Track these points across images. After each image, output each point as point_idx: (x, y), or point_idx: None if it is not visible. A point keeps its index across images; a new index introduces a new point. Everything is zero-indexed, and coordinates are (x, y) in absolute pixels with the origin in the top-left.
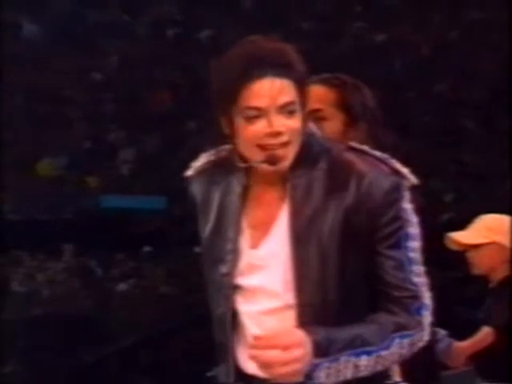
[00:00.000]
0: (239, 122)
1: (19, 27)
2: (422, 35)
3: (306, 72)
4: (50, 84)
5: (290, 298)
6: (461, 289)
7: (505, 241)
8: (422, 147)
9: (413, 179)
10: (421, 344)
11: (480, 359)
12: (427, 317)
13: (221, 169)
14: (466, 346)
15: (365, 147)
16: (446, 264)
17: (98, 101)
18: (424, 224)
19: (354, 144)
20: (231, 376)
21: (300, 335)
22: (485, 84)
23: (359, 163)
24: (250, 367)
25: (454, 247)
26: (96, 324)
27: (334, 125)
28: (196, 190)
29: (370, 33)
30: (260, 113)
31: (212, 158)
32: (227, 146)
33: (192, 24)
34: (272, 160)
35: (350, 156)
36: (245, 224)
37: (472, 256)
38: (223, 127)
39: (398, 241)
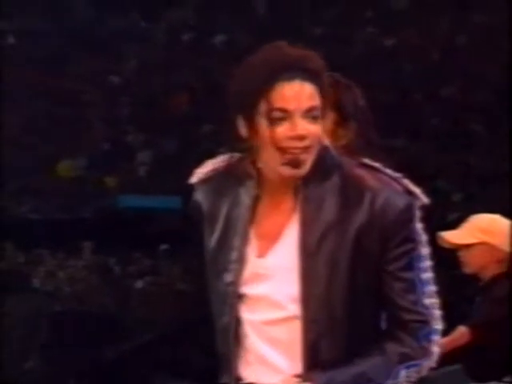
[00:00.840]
0: (262, 123)
1: (42, 33)
2: (430, 39)
3: (328, 80)
4: (70, 88)
5: (293, 309)
6: (466, 286)
7: (495, 241)
8: (430, 149)
9: (424, 199)
10: (427, 370)
11: (469, 358)
12: (436, 342)
13: (229, 178)
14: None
15: (377, 164)
16: (454, 262)
17: (117, 104)
18: (431, 223)
19: (366, 160)
20: None
21: None
22: (492, 87)
23: (372, 180)
24: (251, 376)
25: (445, 246)
26: (115, 320)
27: (324, 123)
28: (201, 198)
29: (380, 37)
30: (285, 115)
31: (218, 165)
32: (235, 154)
33: (206, 29)
34: (294, 163)
35: (363, 172)
36: (252, 234)
37: (463, 255)
38: (240, 129)
39: (410, 262)
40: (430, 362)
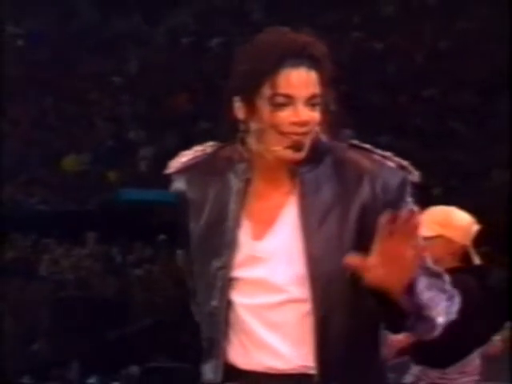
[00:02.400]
0: (264, 107)
1: (50, 35)
2: (415, 44)
3: (330, 69)
4: (76, 87)
5: (293, 291)
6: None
7: (450, 234)
8: (413, 146)
9: (416, 174)
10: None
11: (418, 349)
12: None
13: (214, 164)
14: (399, 339)
15: (367, 145)
16: None
17: (120, 103)
18: None
19: (355, 142)
20: (219, 373)
21: None
22: (472, 89)
23: (367, 161)
24: (244, 362)
25: None
26: (116, 305)
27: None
28: (183, 186)
29: (369, 42)
30: (289, 101)
31: (196, 154)
32: (211, 144)
33: (205, 33)
34: (297, 146)
35: (356, 154)
36: (244, 218)
37: None
38: (237, 111)
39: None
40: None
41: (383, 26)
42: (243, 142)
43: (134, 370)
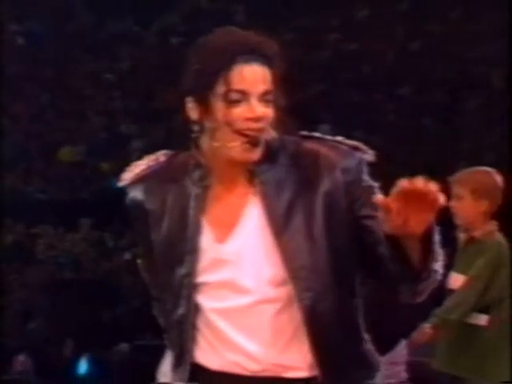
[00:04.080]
0: (217, 105)
1: (48, 35)
2: (388, 45)
3: (282, 66)
4: (71, 84)
5: (263, 292)
6: None
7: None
8: (386, 141)
9: (371, 153)
10: None
11: None
12: None
13: (170, 173)
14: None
15: (317, 134)
16: None
17: (112, 98)
18: None
19: (305, 133)
20: (186, 375)
21: None
22: (442, 87)
23: (321, 149)
24: (216, 363)
25: None
26: (108, 287)
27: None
28: (141, 195)
29: (344, 43)
30: (242, 97)
31: (149, 164)
32: (164, 152)
33: (192, 34)
34: (254, 142)
35: (308, 145)
36: (205, 223)
37: None
38: (190, 111)
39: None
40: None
41: (358, 29)
42: (197, 146)
43: (124, 347)
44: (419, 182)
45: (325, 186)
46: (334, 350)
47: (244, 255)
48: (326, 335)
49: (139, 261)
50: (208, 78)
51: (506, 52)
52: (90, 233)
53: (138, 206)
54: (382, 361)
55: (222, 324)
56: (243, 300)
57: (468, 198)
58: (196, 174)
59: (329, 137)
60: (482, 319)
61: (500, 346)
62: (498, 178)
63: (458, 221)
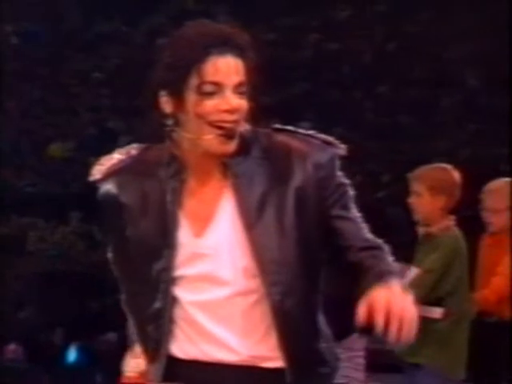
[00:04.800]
0: (191, 97)
1: (39, 35)
2: (367, 45)
3: (255, 58)
4: (61, 82)
5: (240, 284)
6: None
7: None
8: (365, 137)
9: (343, 147)
10: None
11: None
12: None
13: (144, 167)
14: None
15: (289, 127)
16: (383, 230)
17: (100, 95)
18: (363, 199)
19: (278, 126)
20: (162, 367)
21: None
22: (418, 85)
23: (293, 142)
24: (192, 353)
25: None
26: (97, 278)
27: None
28: (114, 189)
29: (325, 43)
30: (216, 89)
31: (122, 158)
32: (136, 146)
33: None
34: (229, 134)
35: (281, 138)
36: (182, 217)
37: None
38: (164, 105)
39: (348, 202)
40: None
41: (339, 29)
42: (172, 139)
43: (112, 336)
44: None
45: (297, 180)
46: (300, 345)
47: (221, 248)
48: (292, 330)
49: (110, 255)
50: (181, 71)
51: (480, 52)
52: (79, 226)
53: (111, 200)
54: (339, 346)
55: (199, 316)
56: (221, 292)
57: (426, 194)
58: (171, 168)
59: (301, 130)
60: (436, 312)
61: (455, 337)
62: (456, 175)
63: (417, 216)
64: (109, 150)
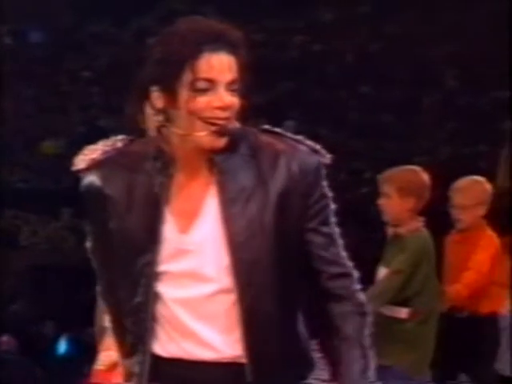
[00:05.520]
0: (184, 94)
1: (31, 35)
2: (351, 46)
3: (247, 55)
4: (52, 80)
5: (223, 281)
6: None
7: None
8: (349, 135)
9: (328, 157)
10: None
11: None
12: (359, 289)
13: (127, 160)
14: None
15: (278, 129)
16: (364, 225)
17: (91, 94)
18: (347, 195)
19: (267, 127)
20: (146, 367)
21: None
22: (400, 86)
23: (281, 144)
24: (172, 351)
25: None
26: (87, 272)
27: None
28: (99, 181)
29: (310, 44)
30: (210, 86)
31: (107, 149)
32: (122, 138)
33: None
34: (221, 133)
35: (269, 139)
36: (168, 212)
37: None
38: (155, 101)
39: (328, 217)
40: (370, 315)
41: (323, 31)
42: (161, 134)
43: None
44: None
45: (282, 182)
46: (267, 347)
47: (205, 245)
48: (261, 331)
49: (89, 244)
50: (174, 67)
51: (460, 53)
52: (70, 221)
53: (95, 191)
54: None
55: (181, 313)
56: (204, 289)
57: (395, 195)
58: (158, 162)
59: (289, 134)
60: (402, 312)
61: (422, 337)
62: (425, 177)
63: (386, 217)
64: None
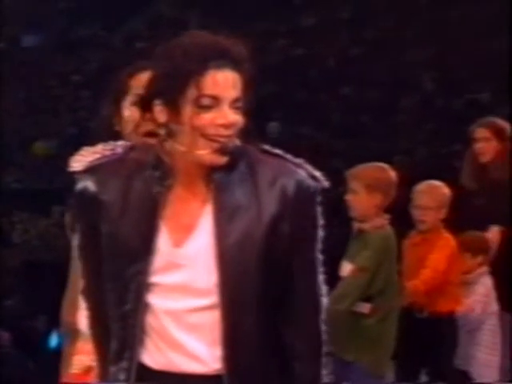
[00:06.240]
0: (187, 109)
1: (22, 40)
2: (332, 50)
3: (251, 72)
4: (44, 83)
5: (213, 298)
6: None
7: None
8: (330, 136)
9: (325, 183)
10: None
11: None
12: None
13: (124, 167)
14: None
15: (278, 151)
16: (345, 223)
17: (81, 97)
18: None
19: (267, 147)
20: (133, 375)
21: None
22: (379, 88)
23: (280, 167)
24: (158, 363)
25: None
26: None
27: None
28: (94, 186)
29: (291, 48)
30: (214, 103)
31: (105, 154)
32: (121, 143)
33: (154, 39)
34: (223, 151)
35: (268, 159)
36: (164, 224)
37: None
38: (157, 114)
39: (315, 244)
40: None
41: (305, 35)
42: (162, 147)
43: None
44: None
45: (276, 205)
46: (248, 365)
47: (198, 260)
48: (241, 349)
49: (77, 243)
50: (179, 82)
51: (436, 57)
52: (61, 219)
53: (89, 196)
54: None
55: (169, 324)
56: (194, 303)
57: (362, 191)
58: (157, 172)
59: (290, 157)
60: (365, 307)
61: (383, 334)
62: (392, 174)
63: (352, 213)
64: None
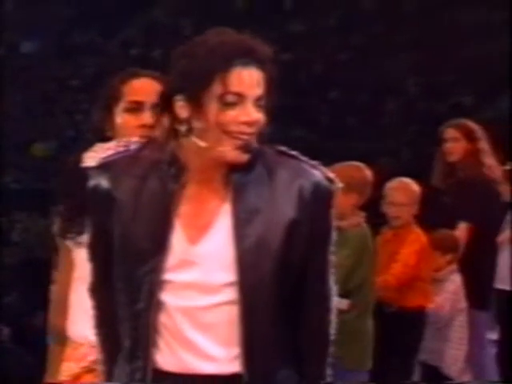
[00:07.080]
0: (212, 106)
1: (22, 46)
2: (320, 54)
3: (274, 71)
4: (41, 87)
5: (229, 295)
6: None
7: None
8: (320, 137)
9: (340, 186)
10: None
11: None
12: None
13: (139, 164)
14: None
15: (294, 152)
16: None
17: (78, 100)
18: None
19: (283, 148)
20: (149, 372)
21: None
22: (365, 92)
23: (297, 169)
24: (171, 364)
25: None
26: None
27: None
28: (107, 183)
29: (279, 53)
30: (239, 100)
31: (119, 150)
32: (134, 140)
33: (148, 45)
34: (246, 148)
35: (285, 161)
36: (178, 222)
37: None
38: (179, 110)
39: (329, 245)
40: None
41: (294, 41)
42: (180, 143)
43: None
44: None
45: (293, 207)
46: (265, 366)
47: (213, 258)
48: (259, 350)
49: (86, 238)
50: (204, 78)
51: (420, 62)
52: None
53: (102, 193)
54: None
55: (183, 323)
56: (208, 300)
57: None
58: (172, 170)
59: (305, 158)
60: (343, 303)
61: (360, 330)
62: (368, 173)
63: None
64: (86, 150)
